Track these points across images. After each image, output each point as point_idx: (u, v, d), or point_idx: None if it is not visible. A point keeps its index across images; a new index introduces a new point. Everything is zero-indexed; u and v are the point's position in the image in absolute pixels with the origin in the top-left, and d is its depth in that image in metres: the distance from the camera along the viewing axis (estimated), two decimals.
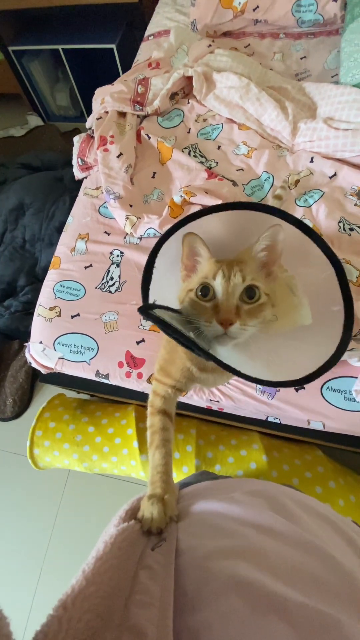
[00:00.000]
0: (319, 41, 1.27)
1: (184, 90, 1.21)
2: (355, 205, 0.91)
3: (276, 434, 1.03)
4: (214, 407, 0.88)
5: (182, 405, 0.92)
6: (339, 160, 0.97)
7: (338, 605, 0.21)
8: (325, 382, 0.75)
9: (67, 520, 1.28)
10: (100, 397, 1.35)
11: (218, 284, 0.41)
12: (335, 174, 0.95)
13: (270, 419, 0.84)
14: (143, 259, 0.92)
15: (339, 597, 0.22)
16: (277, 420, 0.83)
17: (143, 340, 0.84)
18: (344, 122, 0.95)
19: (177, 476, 1.03)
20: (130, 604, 0.21)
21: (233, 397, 0.79)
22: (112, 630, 0.20)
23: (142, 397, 0.92)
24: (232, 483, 0.41)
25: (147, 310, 0.39)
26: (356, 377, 0.73)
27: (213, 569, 0.23)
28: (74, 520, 1.27)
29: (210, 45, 1.29)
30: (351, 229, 0.88)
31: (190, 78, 1.17)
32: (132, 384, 0.84)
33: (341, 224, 0.89)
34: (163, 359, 0.59)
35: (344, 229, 0.88)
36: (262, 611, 0.20)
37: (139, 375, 0.82)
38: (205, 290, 0.42)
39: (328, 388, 0.75)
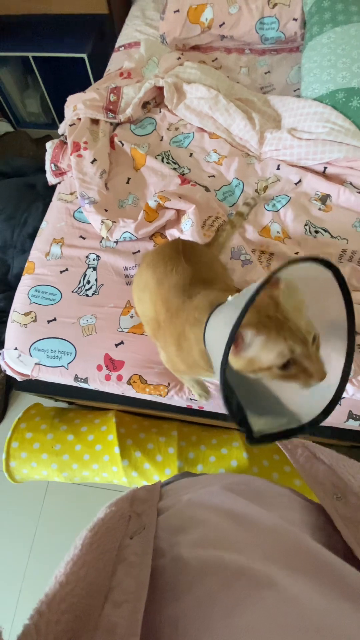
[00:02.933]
0: (282, 57, 1.35)
1: (156, 100, 1.24)
2: (319, 209, 0.97)
3: None
4: (194, 406, 0.89)
5: (162, 407, 0.92)
6: (303, 167, 1.03)
7: (300, 577, 0.22)
8: None
9: (47, 534, 1.23)
10: (79, 405, 1.33)
11: (299, 353, 0.38)
12: (300, 181, 1.01)
13: None
14: (120, 262, 0.92)
15: (303, 570, 0.23)
16: None
17: (122, 343, 0.84)
18: (306, 133, 1.02)
19: (160, 478, 1.03)
20: (107, 603, 0.21)
21: (212, 394, 0.81)
22: (89, 630, 0.19)
23: (122, 400, 0.92)
24: (211, 478, 0.42)
25: (255, 437, 0.36)
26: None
27: (188, 559, 0.24)
28: (55, 533, 1.23)
29: (179, 58, 1.34)
30: (316, 232, 0.94)
31: (161, 88, 1.21)
32: (112, 387, 0.84)
33: (307, 227, 0.94)
34: (176, 369, 0.64)
35: (310, 232, 0.94)
36: (232, 582, 0.21)
37: (119, 378, 0.82)
38: (285, 364, 0.39)
39: None
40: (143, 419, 1.17)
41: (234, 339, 0.35)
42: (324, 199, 0.98)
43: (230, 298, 0.45)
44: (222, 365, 0.35)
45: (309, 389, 0.38)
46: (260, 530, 0.27)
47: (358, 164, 0.98)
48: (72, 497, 1.27)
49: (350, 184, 1.00)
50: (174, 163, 1.09)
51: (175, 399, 0.85)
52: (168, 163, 1.09)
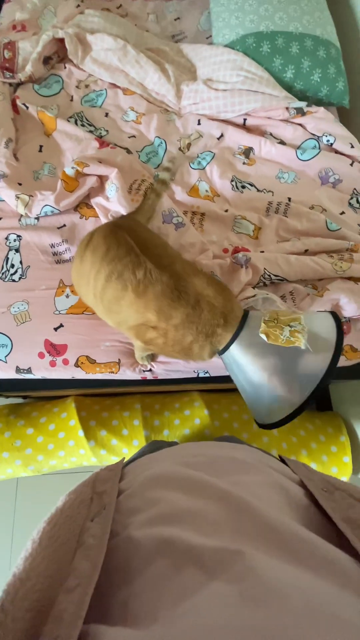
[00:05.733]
0: (190, 2, 1.26)
1: (58, 54, 1.11)
2: (244, 163, 0.97)
3: (213, 388, 1.11)
4: (149, 377, 0.90)
5: (119, 383, 0.91)
6: (223, 121, 1.01)
7: (245, 540, 0.23)
8: None
9: (26, 532, 1.22)
10: (35, 398, 1.27)
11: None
12: (222, 135, 1.00)
13: (201, 374, 0.89)
14: (45, 239, 0.86)
15: (247, 533, 0.24)
16: (207, 374, 0.89)
17: (61, 326, 0.80)
18: (221, 83, 0.99)
19: (129, 451, 1.05)
20: (61, 591, 0.21)
21: (163, 360, 0.82)
22: (47, 623, 0.19)
23: (78, 384, 0.89)
24: (167, 453, 0.43)
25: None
26: None
27: (140, 539, 0.24)
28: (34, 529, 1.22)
29: (79, 6, 1.20)
30: (243, 187, 0.94)
31: (62, 40, 1.08)
32: (60, 373, 0.81)
33: (234, 183, 0.94)
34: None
35: (237, 187, 0.94)
36: (181, 566, 0.22)
37: (65, 362, 0.79)
38: None
39: None
40: (105, 399, 1.16)
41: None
42: (247, 152, 0.98)
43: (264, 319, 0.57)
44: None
45: None
46: (212, 502, 0.28)
47: (275, 113, 0.98)
48: (45, 488, 1.25)
49: (271, 134, 1.01)
50: (89, 125, 1.00)
51: (128, 374, 0.85)
52: (83, 125, 1.00)
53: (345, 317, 0.79)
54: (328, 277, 0.82)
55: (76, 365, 0.80)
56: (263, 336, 0.55)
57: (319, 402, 1.35)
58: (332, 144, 0.97)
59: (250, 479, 0.32)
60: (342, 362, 0.85)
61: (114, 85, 1.06)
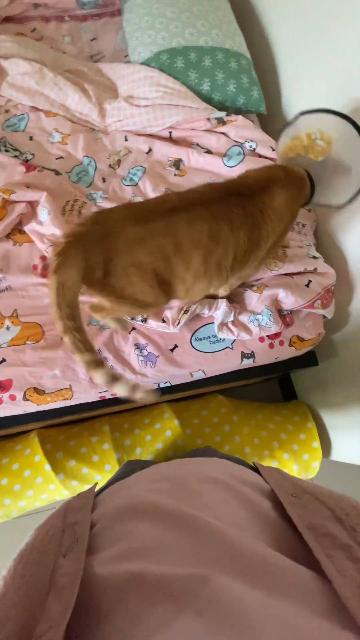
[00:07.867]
0: (105, 22, 1.29)
1: None
2: (175, 175, 1.00)
3: (179, 396, 1.10)
4: (107, 396, 0.87)
5: (80, 408, 0.88)
6: (149, 135, 1.03)
7: (211, 565, 0.23)
8: (192, 334, 0.83)
9: None
10: None
11: None
12: (150, 149, 1.01)
13: (162, 385, 0.88)
14: None
15: (214, 559, 0.24)
16: (168, 384, 0.89)
17: (4, 360, 0.76)
18: (142, 99, 1.01)
19: (102, 477, 1.01)
20: (33, 636, 0.20)
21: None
22: None
23: (35, 417, 0.85)
24: (138, 478, 0.42)
25: None
26: (213, 323, 0.83)
27: (108, 577, 0.23)
28: None
29: None
30: None
31: None
32: (9, 409, 0.76)
33: None
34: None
35: None
36: (152, 600, 0.21)
37: (12, 398, 0.75)
38: None
39: (196, 339, 0.83)
40: (71, 427, 1.12)
41: None
42: (177, 163, 1.01)
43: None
44: None
45: None
46: (179, 530, 0.27)
47: (198, 124, 1.01)
48: (18, 533, 1.16)
49: (197, 144, 1.04)
50: (14, 150, 0.98)
51: (84, 397, 0.82)
52: (7, 151, 0.97)
53: (286, 310, 0.82)
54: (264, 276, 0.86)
55: (25, 399, 0.76)
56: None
57: (284, 393, 1.40)
58: (254, 149, 1.02)
59: (219, 499, 0.31)
60: (293, 352, 0.89)
61: (36, 109, 1.04)
